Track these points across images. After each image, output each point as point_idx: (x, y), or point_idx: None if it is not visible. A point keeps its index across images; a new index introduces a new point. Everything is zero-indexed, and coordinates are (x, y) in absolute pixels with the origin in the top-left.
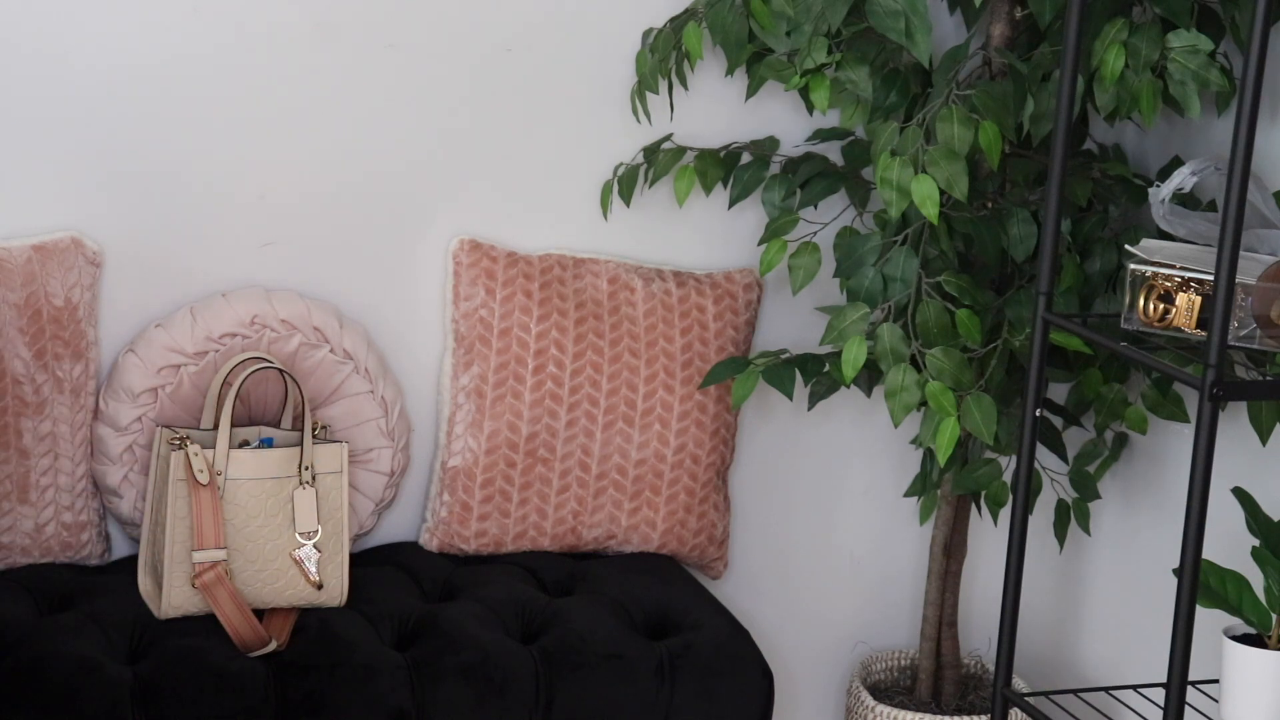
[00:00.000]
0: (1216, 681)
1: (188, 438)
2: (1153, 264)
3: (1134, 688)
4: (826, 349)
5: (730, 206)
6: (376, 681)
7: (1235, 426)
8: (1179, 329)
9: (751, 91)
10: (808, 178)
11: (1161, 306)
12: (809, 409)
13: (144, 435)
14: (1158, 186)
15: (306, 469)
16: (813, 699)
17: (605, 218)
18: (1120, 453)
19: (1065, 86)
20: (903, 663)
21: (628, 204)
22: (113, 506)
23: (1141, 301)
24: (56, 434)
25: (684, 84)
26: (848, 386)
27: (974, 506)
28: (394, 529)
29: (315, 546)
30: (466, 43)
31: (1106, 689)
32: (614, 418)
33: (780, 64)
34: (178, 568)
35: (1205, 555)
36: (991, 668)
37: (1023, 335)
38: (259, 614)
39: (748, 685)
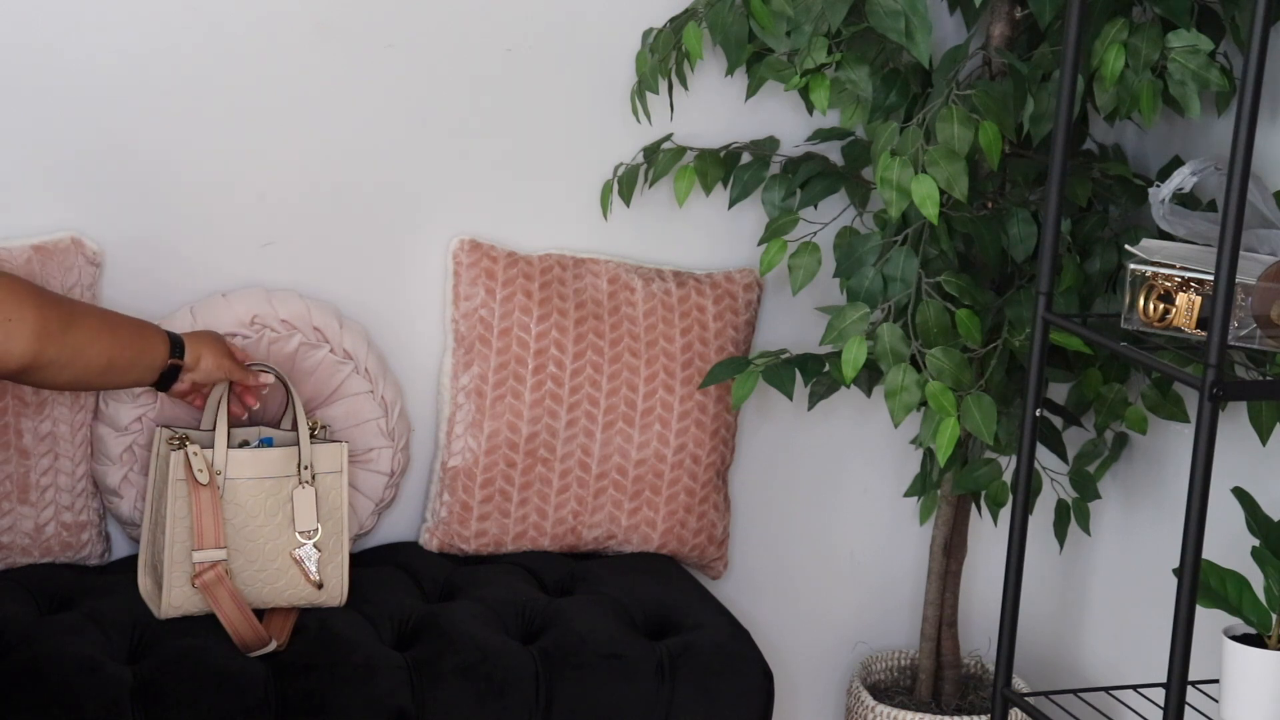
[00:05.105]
0: (1216, 681)
1: (187, 438)
2: (1153, 264)
3: (1134, 688)
4: (826, 349)
5: (730, 206)
6: (376, 681)
7: (1235, 426)
8: (1179, 329)
9: (751, 91)
10: (808, 178)
11: (1161, 306)
12: (809, 409)
13: (144, 435)
14: (1158, 186)
15: (306, 468)
16: (813, 699)
17: (605, 218)
18: (1120, 453)
19: (1065, 86)
20: (903, 663)
21: (628, 204)
22: (113, 506)
23: (1141, 301)
24: (56, 434)
25: (684, 84)
26: (848, 386)
27: (974, 506)
28: (394, 529)
29: (315, 546)
30: (466, 43)
31: (1106, 689)
32: (614, 418)
33: (780, 64)
34: (178, 568)
35: (1205, 555)
36: (991, 668)
37: (1023, 335)
38: (259, 614)
39: (748, 685)
